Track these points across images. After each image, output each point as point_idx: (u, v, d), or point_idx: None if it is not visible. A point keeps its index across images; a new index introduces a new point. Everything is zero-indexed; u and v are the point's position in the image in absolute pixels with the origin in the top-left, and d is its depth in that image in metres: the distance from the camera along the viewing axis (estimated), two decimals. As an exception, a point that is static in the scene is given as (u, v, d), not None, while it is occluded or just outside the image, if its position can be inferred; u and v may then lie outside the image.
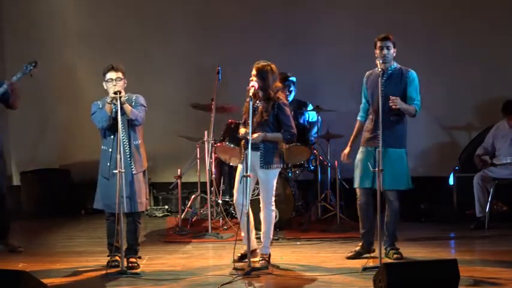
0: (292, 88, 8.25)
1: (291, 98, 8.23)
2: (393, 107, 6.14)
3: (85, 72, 9.00)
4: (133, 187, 6.13)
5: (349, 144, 6.57)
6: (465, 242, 7.35)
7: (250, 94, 6.15)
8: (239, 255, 6.36)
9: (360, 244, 6.50)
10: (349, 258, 6.45)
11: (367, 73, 6.53)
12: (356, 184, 6.44)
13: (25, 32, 9.25)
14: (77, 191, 9.11)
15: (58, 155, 9.44)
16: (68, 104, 9.30)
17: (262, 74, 6.25)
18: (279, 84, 6.39)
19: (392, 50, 6.32)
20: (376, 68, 6.27)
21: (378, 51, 6.33)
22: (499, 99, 8.50)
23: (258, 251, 6.40)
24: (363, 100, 6.53)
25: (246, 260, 6.19)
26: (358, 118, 6.59)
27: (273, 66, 6.34)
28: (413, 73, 6.37)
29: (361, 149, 6.46)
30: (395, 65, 6.37)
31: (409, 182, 6.40)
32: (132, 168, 6.14)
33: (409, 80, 6.33)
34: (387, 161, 6.17)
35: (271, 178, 6.32)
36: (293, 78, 8.26)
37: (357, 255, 6.44)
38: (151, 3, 9.38)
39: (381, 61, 6.20)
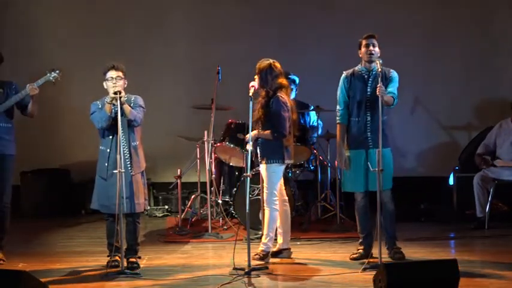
0: (292, 87, 7.89)
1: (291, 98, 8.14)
2: (377, 93, 6.01)
3: (85, 73, 8.98)
4: (132, 188, 6.12)
5: (342, 150, 6.37)
6: (465, 242, 7.35)
7: (250, 94, 6.18)
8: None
9: (362, 247, 6.47)
10: (353, 259, 6.43)
11: (346, 73, 6.44)
12: (352, 189, 6.41)
13: (24, 32, 9.24)
14: (77, 191, 9.11)
15: (58, 155, 9.43)
16: (68, 104, 9.30)
17: (260, 73, 6.33)
18: (280, 81, 6.38)
19: (377, 49, 6.31)
20: (358, 67, 6.34)
21: (363, 50, 6.31)
22: (499, 99, 8.50)
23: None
24: (342, 104, 6.39)
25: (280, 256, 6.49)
26: (341, 122, 6.39)
27: (275, 64, 6.35)
28: (394, 72, 6.37)
29: (348, 153, 6.36)
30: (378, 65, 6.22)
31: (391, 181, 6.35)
32: (130, 169, 6.13)
33: (391, 78, 6.31)
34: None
35: (267, 173, 6.34)
36: (294, 78, 8.11)
37: (360, 258, 6.40)
38: (151, 3, 9.37)
39: (381, 61, 6.15)
